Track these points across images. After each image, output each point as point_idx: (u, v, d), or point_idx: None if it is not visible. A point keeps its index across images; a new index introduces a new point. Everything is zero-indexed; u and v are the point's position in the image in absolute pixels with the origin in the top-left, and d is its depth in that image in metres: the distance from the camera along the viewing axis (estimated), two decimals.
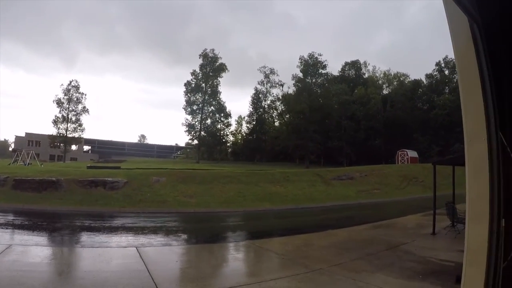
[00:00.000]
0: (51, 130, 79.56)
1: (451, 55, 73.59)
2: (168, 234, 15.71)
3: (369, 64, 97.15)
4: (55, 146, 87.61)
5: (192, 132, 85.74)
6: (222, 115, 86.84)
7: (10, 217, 18.97)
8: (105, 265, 9.74)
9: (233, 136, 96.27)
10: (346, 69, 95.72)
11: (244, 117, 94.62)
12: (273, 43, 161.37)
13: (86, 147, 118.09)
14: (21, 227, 16.62)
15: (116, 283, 7.99)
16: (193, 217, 21.80)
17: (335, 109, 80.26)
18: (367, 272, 8.94)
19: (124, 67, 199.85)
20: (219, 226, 19.37)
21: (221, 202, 25.63)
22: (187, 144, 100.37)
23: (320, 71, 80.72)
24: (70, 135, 78.50)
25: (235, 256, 11.83)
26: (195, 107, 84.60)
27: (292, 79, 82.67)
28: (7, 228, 15.85)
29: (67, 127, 77.68)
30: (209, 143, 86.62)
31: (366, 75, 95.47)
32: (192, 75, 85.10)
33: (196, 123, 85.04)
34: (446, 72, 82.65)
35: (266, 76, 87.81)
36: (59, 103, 77.74)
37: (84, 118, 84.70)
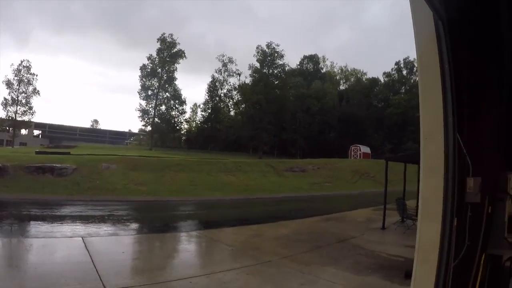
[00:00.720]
0: (2, 113, 74.87)
1: (412, 56, 75.97)
2: (116, 224, 15.34)
3: (327, 59, 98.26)
4: (3, 130, 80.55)
5: (146, 118, 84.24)
6: (177, 102, 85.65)
7: None
8: (48, 257, 9.52)
9: (187, 124, 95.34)
10: (305, 62, 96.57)
11: (199, 105, 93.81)
12: (231, 32, 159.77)
13: (36, 132, 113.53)
14: None
15: (58, 276, 7.66)
16: (143, 205, 21.50)
17: (291, 102, 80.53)
18: (316, 265, 8.96)
19: (79, 47, 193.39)
20: (169, 216, 19.13)
21: (172, 190, 25.45)
22: (141, 130, 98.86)
23: (277, 62, 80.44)
24: (20, 119, 74.24)
25: (184, 247, 11.68)
26: (150, 93, 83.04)
27: (249, 69, 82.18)
28: None
29: (16, 110, 73.04)
30: (162, 130, 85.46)
31: (324, 70, 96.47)
32: (148, 60, 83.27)
33: (150, 108, 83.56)
34: (404, 72, 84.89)
35: (224, 64, 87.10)
36: (8, 84, 72.98)
37: (34, 101, 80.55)
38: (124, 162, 30.86)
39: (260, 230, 13.75)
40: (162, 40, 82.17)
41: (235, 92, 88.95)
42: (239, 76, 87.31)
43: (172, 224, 16.16)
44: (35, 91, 74.74)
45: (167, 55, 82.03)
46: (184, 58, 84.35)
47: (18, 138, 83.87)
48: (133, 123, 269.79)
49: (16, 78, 73.12)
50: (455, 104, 3.41)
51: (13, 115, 72.98)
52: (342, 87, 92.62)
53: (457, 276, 3.44)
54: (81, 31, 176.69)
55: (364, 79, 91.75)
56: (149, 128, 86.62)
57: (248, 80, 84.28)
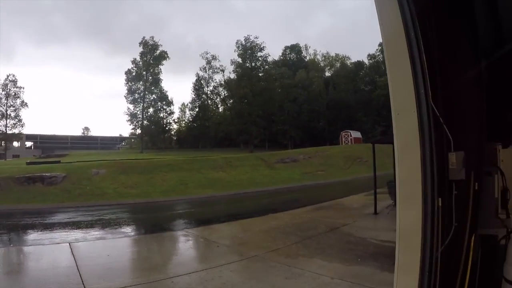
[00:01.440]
0: None
1: None
2: (104, 228, 15.05)
3: (309, 47, 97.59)
4: None
5: (135, 122, 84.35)
6: (164, 103, 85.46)
7: None
8: (33, 264, 9.56)
9: (176, 124, 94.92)
10: (287, 53, 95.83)
11: (187, 104, 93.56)
12: (211, 29, 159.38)
13: (28, 143, 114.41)
14: None
15: (42, 282, 7.62)
16: (133, 208, 21.07)
17: (277, 93, 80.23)
18: (303, 257, 8.67)
19: (64, 58, 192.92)
20: (157, 216, 18.84)
21: (162, 191, 25.12)
22: (131, 134, 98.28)
23: (257, 54, 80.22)
24: (10, 132, 75.24)
25: (169, 246, 11.42)
26: (136, 96, 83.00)
27: (231, 64, 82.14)
28: None
29: (6, 123, 74.27)
30: (152, 132, 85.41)
31: (308, 58, 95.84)
32: (132, 63, 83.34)
33: (138, 112, 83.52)
34: None
35: (208, 62, 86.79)
36: None
37: (23, 113, 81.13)
38: (114, 167, 30.48)
39: (248, 224, 13.46)
40: (144, 43, 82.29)
41: (221, 89, 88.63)
42: (223, 72, 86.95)
43: (159, 224, 15.81)
44: (23, 104, 75.90)
45: (151, 58, 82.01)
46: (167, 59, 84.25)
47: (10, 150, 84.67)
48: (123, 128, 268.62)
49: (3, 92, 73.83)
50: (426, 72, 3.04)
51: (3, 129, 73.84)
52: (327, 74, 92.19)
53: (445, 262, 3.09)
54: (64, 42, 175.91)
55: (349, 64, 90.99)
56: (138, 131, 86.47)
57: (232, 76, 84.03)
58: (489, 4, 3.74)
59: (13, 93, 74.77)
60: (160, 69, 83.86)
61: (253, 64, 79.46)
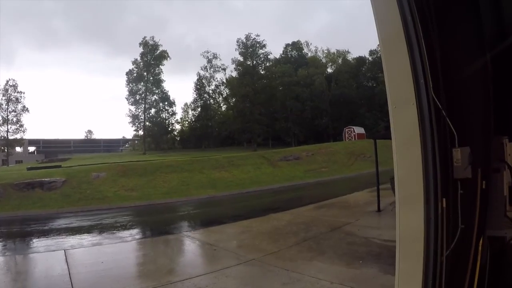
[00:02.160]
0: None
1: None
2: (101, 233, 14.75)
3: (310, 44, 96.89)
4: None
5: (137, 123, 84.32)
6: (166, 103, 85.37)
7: None
8: (23, 273, 9.35)
9: (179, 124, 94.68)
10: (289, 50, 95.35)
11: (189, 105, 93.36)
12: (211, 29, 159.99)
13: (31, 148, 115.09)
14: None
15: None
16: (133, 211, 20.73)
17: (279, 91, 79.89)
18: (303, 260, 8.33)
19: (65, 61, 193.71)
20: (156, 220, 18.51)
21: (163, 193, 24.82)
22: (134, 136, 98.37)
23: (258, 52, 79.72)
24: (12, 137, 74.57)
25: (165, 251, 11.05)
26: (137, 97, 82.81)
27: (233, 63, 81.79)
28: None
29: (7, 129, 73.38)
30: (154, 133, 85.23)
31: (309, 55, 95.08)
32: (133, 64, 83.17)
33: (140, 113, 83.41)
34: None
35: (209, 61, 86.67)
36: None
37: (25, 118, 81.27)
38: (114, 170, 30.20)
39: (248, 225, 13.15)
40: (144, 44, 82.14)
41: (223, 87, 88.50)
42: (225, 71, 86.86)
43: (156, 228, 15.45)
44: (24, 109, 75.27)
45: (151, 58, 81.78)
46: (168, 58, 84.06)
47: (13, 156, 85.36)
48: (126, 130, 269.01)
49: (4, 98, 73.37)
50: (426, 60, 2.76)
51: (5, 134, 73.18)
52: (329, 70, 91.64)
53: (451, 267, 2.81)
54: (64, 45, 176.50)
55: (351, 59, 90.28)
56: (141, 132, 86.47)
57: (234, 74, 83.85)
58: None
59: (14, 98, 74.10)
60: (161, 69, 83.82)
61: (254, 62, 79.00)
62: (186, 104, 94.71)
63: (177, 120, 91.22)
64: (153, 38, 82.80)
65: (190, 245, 11.33)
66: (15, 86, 74.89)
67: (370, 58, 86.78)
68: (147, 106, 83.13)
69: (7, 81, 73.34)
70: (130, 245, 12.16)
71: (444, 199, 2.75)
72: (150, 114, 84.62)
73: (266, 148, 64.97)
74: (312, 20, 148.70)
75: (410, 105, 2.75)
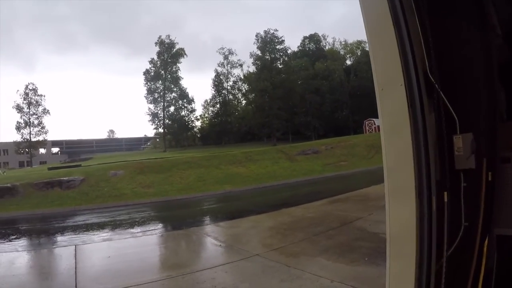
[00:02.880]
0: (16, 137, 79.03)
1: None
2: (114, 228, 14.86)
3: (327, 36, 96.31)
4: (22, 152, 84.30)
5: (156, 121, 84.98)
6: (185, 101, 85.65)
7: None
8: (33, 268, 9.53)
9: (198, 121, 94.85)
10: (306, 43, 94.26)
11: (209, 101, 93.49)
12: (225, 26, 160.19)
13: (55, 149, 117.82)
14: None
15: (33, 286, 7.94)
16: (148, 207, 20.74)
17: (298, 84, 79.41)
18: (307, 256, 7.98)
19: (84, 64, 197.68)
20: (168, 215, 18.51)
21: (180, 189, 24.75)
22: (156, 134, 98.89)
23: (277, 47, 79.68)
24: (34, 139, 77.31)
25: (170, 246, 10.90)
26: (156, 95, 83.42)
27: (251, 58, 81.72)
28: None
29: (30, 131, 76.52)
30: (174, 130, 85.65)
31: (327, 48, 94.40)
32: (150, 63, 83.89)
33: (159, 111, 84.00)
34: None
35: (226, 57, 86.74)
36: (18, 108, 76.32)
37: (46, 120, 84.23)
38: (132, 167, 30.37)
39: (258, 220, 12.87)
40: (160, 42, 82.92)
41: (241, 83, 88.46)
42: (242, 67, 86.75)
43: (167, 223, 15.53)
44: (45, 111, 78.06)
45: (168, 56, 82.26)
46: (184, 56, 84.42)
47: (37, 157, 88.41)
48: (147, 128, 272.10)
49: (25, 101, 76.12)
50: (420, 32, 2.42)
51: (28, 137, 76.30)
52: (348, 62, 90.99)
53: (453, 270, 2.45)
54: (83, 49, 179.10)
55: None
56: (160, 130, 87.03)
57: (251, 69, 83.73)
58: None
59: (34, 101, 76.76)
60: (178, 67, 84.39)
61: (272, 56, 78.82)
62: (206, 101, 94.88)
63: (196, 117, 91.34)
64: (169, 36, 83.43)
65: (196, 240, 11.16)
66: (35, 90, 77.39)
67: None
68: (166, 104, 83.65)
69: (27, 85, 76.07)
70: (137, 240, 12.08)
71: (445, 193, 2.42)
72: (170, 112, 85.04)
73: (286, 143, 64.36)
74: (329, 11, 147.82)
75: (397, 86, 2.38)
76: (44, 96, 76.60)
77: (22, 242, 13.90)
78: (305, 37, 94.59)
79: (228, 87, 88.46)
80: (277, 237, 10.02)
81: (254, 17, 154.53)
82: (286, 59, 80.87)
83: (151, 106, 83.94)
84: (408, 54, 2.36)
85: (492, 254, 2.77)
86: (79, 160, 66.06)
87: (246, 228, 11.70)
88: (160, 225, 14.64)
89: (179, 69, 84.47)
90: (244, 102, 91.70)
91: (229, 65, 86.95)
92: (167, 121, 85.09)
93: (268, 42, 78.71)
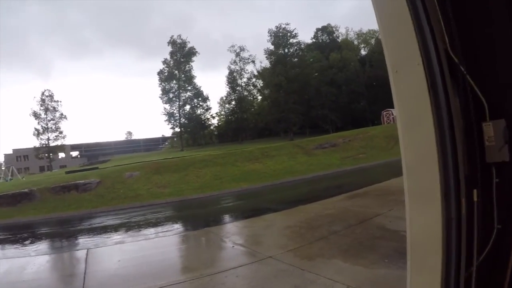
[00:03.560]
0: (35, 142, 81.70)
1: None
2: (128, 231, 14.70)
3: (339, 27, 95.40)
4: (42, 157, 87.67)
5: (172, 121, 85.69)
6: (200, 99, 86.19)
7: None
8: (43, 273, 9.30)
9: (215, 119, 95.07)
10: (319, 35, 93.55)
11: (224, 99, 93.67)
12: (235, 23, 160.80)
13: (74, 153, 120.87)
14: None
15: None
16: (163, 207, 20.60)
17: (313, 77, 78.72)
18: (322, 258, 7.49)
19: (99, 68, 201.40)
20: (183, 216, 18.31)
21: (196, 188, 24.55)
22: (173, 133, 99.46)
23: (290, 41, 79.30)
24: (53, 144, 79.95)
25: (183, 248, 10.60)
26: (171, 95, 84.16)
27: (265, 54, 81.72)
28: None
29: (48, 137, 79.10)
30: (191, 129, 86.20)
31: (340, 38, 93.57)
32: (163, 64, 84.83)
33: (175, 111, 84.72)
34: None
35: (237, 54, 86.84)
36: (35, 115, 78.77)
37: (64, 125, 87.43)
38: (147, 168, 30.35)
39: (273, 219, 12.49)
40: (172, 42, 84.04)
41: (255, 79, 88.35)
42: (254, 63, 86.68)
43: (180, 224, 15.24)
44: (62, 116, 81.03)
45: (181, 56, 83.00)
46: (197, 54, 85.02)
47: (57, 161, 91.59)
48: (164, 128, 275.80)
49: (41, 108, 79.04)
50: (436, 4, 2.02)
51: (46, 142, 79.43)
52: (363, 52, 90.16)
53: (484, 279, 2.10)
54: (97, 53, 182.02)
55: None
56: (177, 129, 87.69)
57: (264, 64, 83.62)
58: None
59: (51, 107, 79.40)
60: (191, 66, 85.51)
61: (286, 51, 78.41)
62: (221, 98, 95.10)
63: (212, 115, 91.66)
64: (180, 36, 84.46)
65: (209, 241, 10.81)
66: (51, 96, 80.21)
67: None
68: (181, 103, 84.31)
69: (43, 92, 79.35)
70: (148, 243, 11.97)
71: (475, 191, 2.05)
72: (185, 111, 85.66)
73: (303, 137, 63.72)
74: (340, 2, 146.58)
75: (414, 67, 1.99)
76: (60, 101, 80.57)
77: (36, 247, 13.86)
78: (317, 29, 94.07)
79: (243, 84, 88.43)
80: (292, 236, 9.59)
81: (262, 14, 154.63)
82: (300, 52, 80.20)
83: (167, 106, 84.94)
84: (425, 28, 1.99)
85: None
86: (98, 163, 66.96)
87: (260, 228, 11.31)
88: (173, 226, 14.32)
89: (192, 68, 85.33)
90: (259, 98, 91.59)
91: (241, 62, 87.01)
92: (183, 120, 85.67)
93: (281, 37, 78.50)
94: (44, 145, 79.60)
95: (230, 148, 48.49)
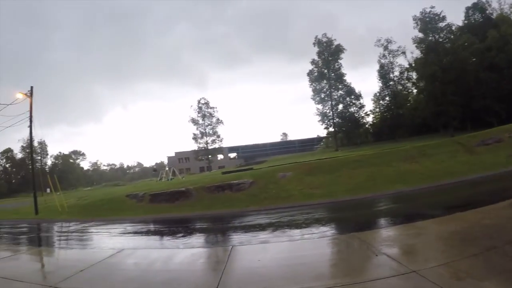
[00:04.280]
0: (194, 146, 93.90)
1: None
2: (274, 231, 14.70)
3: (491, 1, 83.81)
4: (201, 159, 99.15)
5: (326, 120, 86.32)
6: (352, 97, 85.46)
7: (139, 226, 21.41)
8: (186, 265, 10.09)
9: (368, 117, 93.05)
10: (470, 14, 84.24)
11: (378, 95, 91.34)
12: (378, 15, 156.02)
13: (232, 154, 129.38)
14: (144, 233, 19.00)
15: (182, 281, 8.29)
16: (313, 209, 20.16)
17: (469, 63, 71.66)
18: (472, 280, 6.37)
19: (250, 74, 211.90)
20: (332, 218, 17.76)
21: (348, 189, 23.78)
22: (327, 133, 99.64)
23: (439, 25, 73.32)
24: (211, 147, 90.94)
25: (324, 253, 10.06)
26: (322, 95, 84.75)
27: (413, 43, 77.17)
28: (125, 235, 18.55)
29: (206, 140, 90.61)
30: (345, 128, 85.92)
31: (495, 15, 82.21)
32: (312, 64, 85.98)
33: (327, 110, 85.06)
34: None
35: (385, 47, 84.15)
36: (193, 121, 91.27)
37: (220, 129, 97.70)
38: (300, 169, 30.53)
39: (425, 227, 11.24)
40: (318, 42, 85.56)
41: (407, 72, 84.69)
42: (405, 54, 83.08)
43: (329, 227, 14.53)
44: (219, 121, 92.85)
45: (328, 55, 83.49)
46: (344, 51, 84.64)
47: (216, 162, 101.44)
48: (319, 128, 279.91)
49: (199, 115, 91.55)
50: None
51: (205, 145, 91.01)
52: None
53: None
54: (246, 61, 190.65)
55: None
56: (331, 129, 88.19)
57: (415, 55, 79.40)
58: None
59: (208, 114, 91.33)
60: (340, 63, 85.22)
61: (436, 37, 73.14)
62: (375, 95, 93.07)
63: (366, 112, 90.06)
64: (325, 35, 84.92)
65: (353, 248, 10.14)
66: (207, 103, 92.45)
67: None
68: (333, 102, 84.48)
69: (199, 100, 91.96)
70: (292, 244, 11.77)
71: None
72: (338, 110, 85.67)
73: (464, 132, 57.91)
74: None
75: None
76: (216, 108, 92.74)
77: (185, 240, 14.85)
78: (467, 8, 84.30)
79: (395, 78, 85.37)
80: (442, 249, 8.59)
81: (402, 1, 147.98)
82: (451, 36, 74.28)
83: (319, 106, 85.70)
84: None
85: None
86: (254, 164, 69.77)
87: (409, 236, 10.45)
88: (319, 229, 13.74)
89: (341, 66, 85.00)
90: (415, 91, 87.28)
91: (390, 55, 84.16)
92: (336, 119, 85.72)
93: (428, 22, 73.08)
94: (202, 148, 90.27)
95: (385, 147, 46.76)
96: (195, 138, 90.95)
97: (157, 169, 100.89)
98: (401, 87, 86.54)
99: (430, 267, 7.18)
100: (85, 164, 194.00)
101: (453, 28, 76.29)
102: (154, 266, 10.19)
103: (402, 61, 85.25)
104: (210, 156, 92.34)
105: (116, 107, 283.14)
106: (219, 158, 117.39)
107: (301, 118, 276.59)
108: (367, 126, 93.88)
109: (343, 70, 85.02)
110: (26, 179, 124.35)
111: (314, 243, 11.33)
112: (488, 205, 12.81)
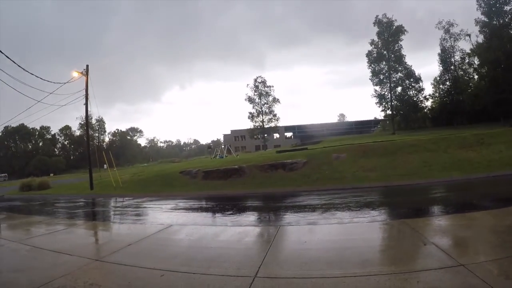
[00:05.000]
0: (250, 124, 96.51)
1: None
2: (324, 212, 14.63)
3: None
4: (256, 137, 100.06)
5: (384, 103, 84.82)
6: (411, 80, 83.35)
7: (191, 202, 21.99)
8: (231, 243, 10.32)
9: (427, 101, 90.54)
10: None
11: (437, 79, 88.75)
12: None
13: (288, 134, 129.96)
14: (194, 209, 19.47)
15: (225, 259, 8.47)
16: (365, 192, 20.00)
17: None
18: None
19: (308, 55, 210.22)
20: (384, 202, 17.40)
21: (402, 174, 23.56)
22: (384, 116, 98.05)
23: (504, 8, 69.38)
24: (267, 126, 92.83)
25: (371, 238, 9.90)
26: (381, 77, 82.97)
27: (476, 25, 74.06)
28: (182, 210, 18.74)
29: (262, 119, 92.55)
30: (403, 111, 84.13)
31: None
32: (371, 45, 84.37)
33: (386, 92, 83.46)
34: None
35: (446, 30, 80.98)
36: (250, 100, 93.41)
37: (277, 108, 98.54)
38: (355, 150, 30.61)
39: (478, 218, 11.00)
40: (378, 22, 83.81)
41: (469, 57, 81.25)
42: (470, 37, 79.59)
43: (379, 212, 14.18)
44: (275, 100, 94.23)
45: (388, 36, 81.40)
46: (405, 33, 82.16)
47: (272, 141, 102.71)
48: (377, 111, 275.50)
49: (255, 93, 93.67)
50: None
51: (261, 124, 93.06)
52: None
53: None
54: (304, 41, 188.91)
55: None
56: (388, 112, 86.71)
57: (479, 39, 75.84)
58: None
59: (264, 92, 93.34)
60: (401, 45, 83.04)
61: (500, 21, 69.55)
62: (435, 79, 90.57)
63: (425, 96, 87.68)
64: (385, 15, 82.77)
65: (401, 235, 10.10)
66: (263, 82, 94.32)
67: None
68: (392, 85, 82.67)
69: (255, 79, 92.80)
70: (340, 227, 11.65)
71: None
72: (396, 93, 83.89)
73: None
74: None
75: None
76: (273, 87, 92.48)
77: (234, 218, 15.22)
78: None
79: (456, 62, 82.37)
80: (494, 244, 8.29)
81: None
82: None
83: (377, 88, 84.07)
84: None
85: None
86: (310, 144, 69.51)
87: (461, 227, 10.26)
88: (369, 213, 13.62)
89: (402, 47, 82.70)
90: (476, 77, 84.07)
91: (452, 39, 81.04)
92: (394, 102, 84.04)
93: (493, 5, 69.43)
94: (258, 127, 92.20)
95: (442, 133, 45.48)
96: (251, 116, 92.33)
97: (212, 146, 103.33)
98: (462, 73, 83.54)
99: (479, 262, 6.97)
100: (142, 141, 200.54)
101: None
102: (200, 243, 10.57)
103: (464, 45, 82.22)
104: (265, 135, 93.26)
105: (173, 86, 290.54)
106: (275, 137, 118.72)
107: (358, 100, 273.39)
108: (425, 110, 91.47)
109: (403, 52, 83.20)
110: (84, 156, 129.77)
111: (362, 227, 11.33)
112: None
